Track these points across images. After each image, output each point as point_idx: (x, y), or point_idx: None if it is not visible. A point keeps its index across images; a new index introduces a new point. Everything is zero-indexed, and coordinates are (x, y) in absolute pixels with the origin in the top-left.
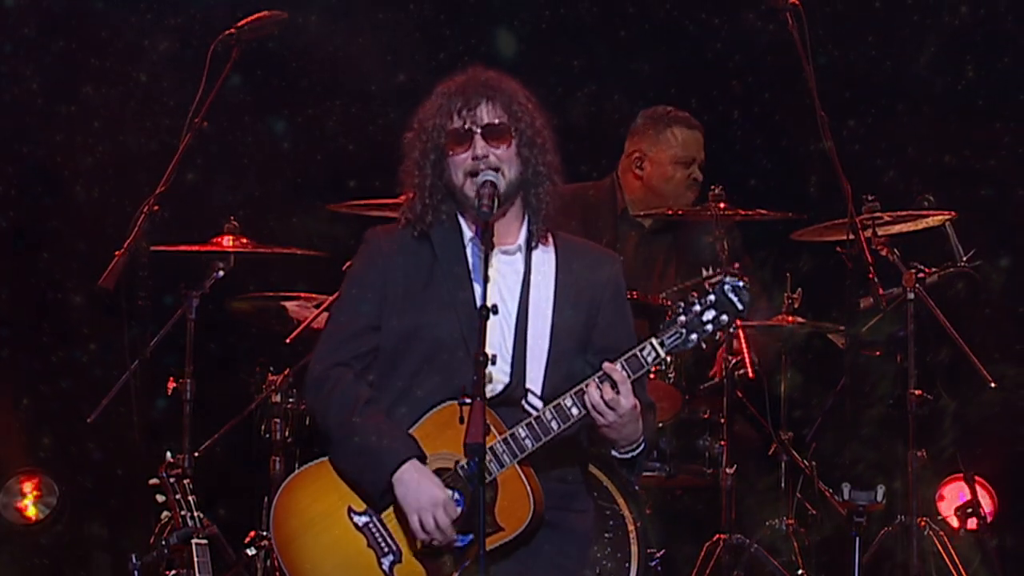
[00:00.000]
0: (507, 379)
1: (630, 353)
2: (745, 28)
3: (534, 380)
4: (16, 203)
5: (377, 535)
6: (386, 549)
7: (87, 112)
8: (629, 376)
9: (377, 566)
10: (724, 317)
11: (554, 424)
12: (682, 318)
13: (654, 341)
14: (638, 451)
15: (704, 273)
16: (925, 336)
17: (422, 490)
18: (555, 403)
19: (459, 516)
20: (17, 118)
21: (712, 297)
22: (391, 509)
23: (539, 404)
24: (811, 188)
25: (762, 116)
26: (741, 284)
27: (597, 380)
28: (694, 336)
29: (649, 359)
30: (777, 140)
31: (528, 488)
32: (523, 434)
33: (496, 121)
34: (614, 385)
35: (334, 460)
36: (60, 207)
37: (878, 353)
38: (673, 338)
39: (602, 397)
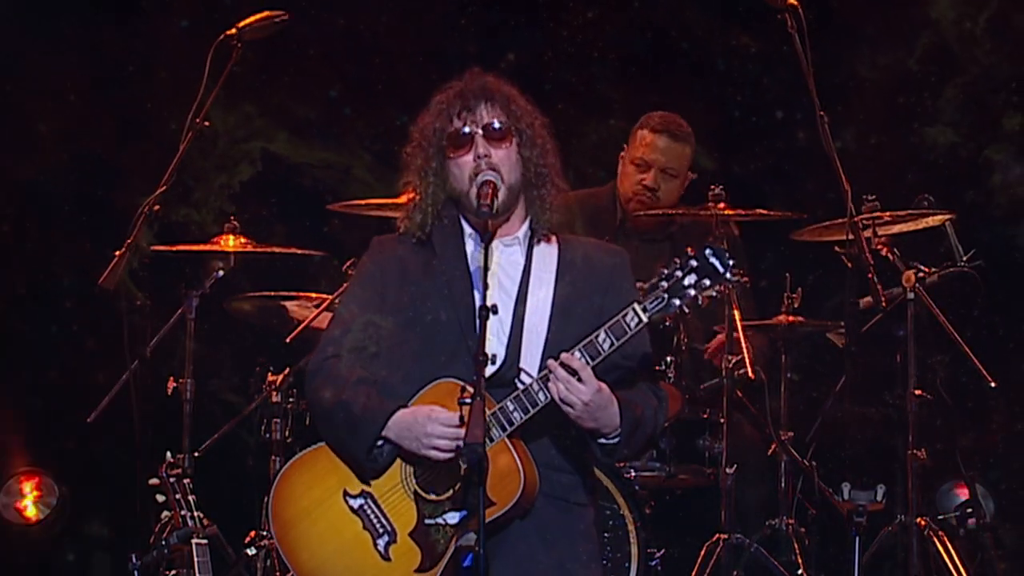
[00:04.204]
0: (501, 360)
1: (613, 320)
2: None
3: (531, 364)
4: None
5: (372, 517)
6: (381, 530)
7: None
8: (588, 363)
9: (373, 548)
10: (706, 281)
11: (541, 395)
12: (664, 284)
13: (636, 307)
14: (617, 439)
15: None
16: (925, 336)
17: (417, 415)
18: (542, 374)
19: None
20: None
21: (693, 263)
22: (385, 488)
23: None
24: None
25: (761, 117)
26: (723, 248)
27: (555, 373)
28: (676, 301)
29: (632, 324)
30: (777, 141)
31: (518, 462)
32: (511, 407)
33: (496, 121)
34: (573, 372)
35: (324, 434)
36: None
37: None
38: (655, 303)
39: (561, 391)
